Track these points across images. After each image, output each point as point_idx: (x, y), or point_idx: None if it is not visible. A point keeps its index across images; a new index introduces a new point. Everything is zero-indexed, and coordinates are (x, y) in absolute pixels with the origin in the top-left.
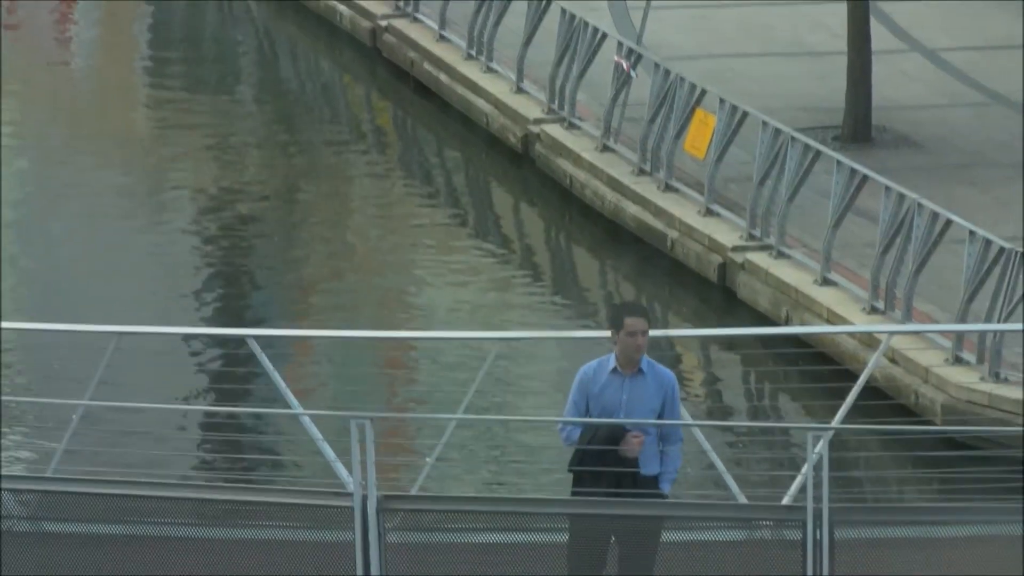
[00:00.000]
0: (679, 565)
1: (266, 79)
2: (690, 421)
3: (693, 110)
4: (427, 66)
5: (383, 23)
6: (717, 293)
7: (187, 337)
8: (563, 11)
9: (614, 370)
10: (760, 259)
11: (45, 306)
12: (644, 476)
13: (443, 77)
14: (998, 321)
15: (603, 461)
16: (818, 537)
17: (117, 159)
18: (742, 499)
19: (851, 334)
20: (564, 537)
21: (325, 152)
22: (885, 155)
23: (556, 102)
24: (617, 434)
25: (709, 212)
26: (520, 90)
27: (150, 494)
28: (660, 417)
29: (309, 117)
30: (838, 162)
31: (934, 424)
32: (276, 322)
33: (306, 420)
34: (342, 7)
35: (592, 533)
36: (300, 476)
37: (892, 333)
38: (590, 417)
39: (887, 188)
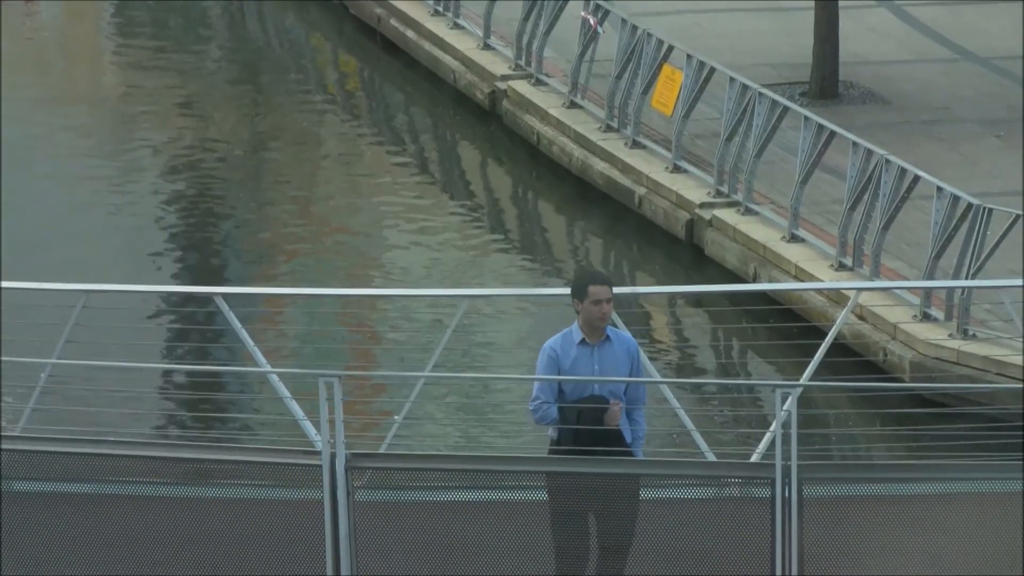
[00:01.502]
0: (647, 523)
1: (233, 37)
2: (658, 379)
3: (660, 66)
4: (394, 22)
5: None
6: (685, 250)
7: (155, 295)
8: None
9: (582, 341)
10: (728, 216)
11: (12, 265)
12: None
13: (410, 33)
14: (966, 277)
15: (595, 434)
16: (787, 494)
17: (84, 119)
18: (711, 457)
19: (819, 291)
20: (534, 495)
21: (292, 110)
22: (852, 111)
23: (523, 59)
24: (597, 403)
25: (677, 169)
26: (487, 47)
27: (118, 452)
28: (627, 383)
29: (276, 75)
30: (805, 118)
31: (902, 381)
32: (244, 280)
33: (274, 378)
34: None
35: (572, 500)
36: (268, 435)
37: (860, 290)
38: (565, 394)
39: (854, 144)
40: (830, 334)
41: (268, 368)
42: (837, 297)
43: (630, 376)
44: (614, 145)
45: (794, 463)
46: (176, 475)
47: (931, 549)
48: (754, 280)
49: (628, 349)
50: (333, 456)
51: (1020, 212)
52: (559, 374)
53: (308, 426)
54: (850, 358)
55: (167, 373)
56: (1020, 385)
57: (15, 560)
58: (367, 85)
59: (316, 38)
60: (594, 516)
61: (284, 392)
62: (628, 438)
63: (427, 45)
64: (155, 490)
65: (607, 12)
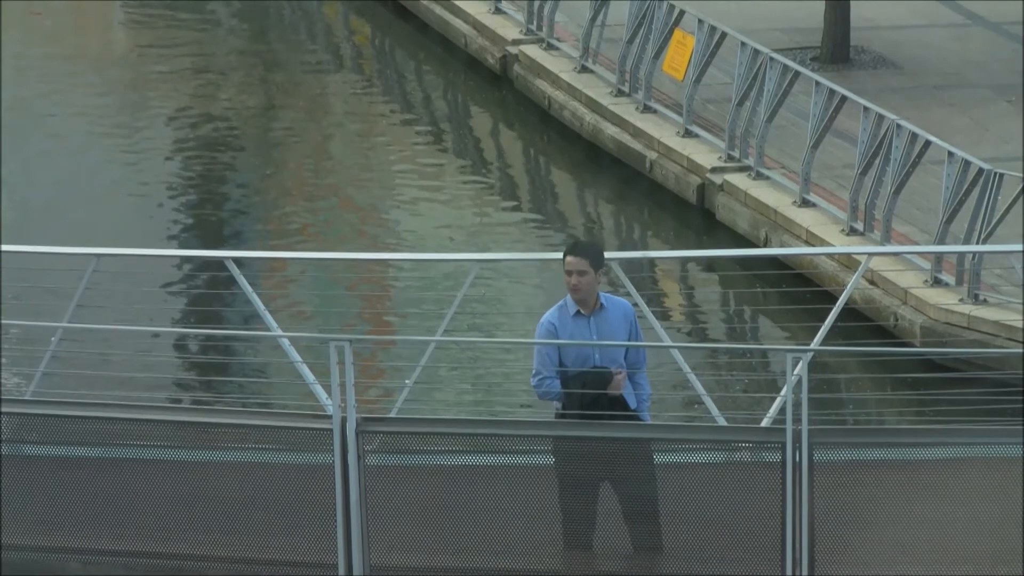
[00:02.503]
0: (660, 486)
1: (244, 2)
2: (669, 343)
3: (671, 31)
4: None
5: None
6: (696, 214)
7: (165, 259)
8: None
9: (577, 313)
10: (739, 180)
11: (23, 228)
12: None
13: None
14: (977, 242)
15: (600, 406)
16: (797, 459)
17: (95, 79)
18: (721, 421)
19: (830, 256)
20: (543, 459)
21: (303, 74)
22: (864, 76)
23: (534, 23)
24: (604, 377)
25: (688, 133)
26: (498, 11)
27: (129, 416)
28: (627, 349)
29: (287, 38)
30: (816, 83)
31: (913, 346)
32: (254, 244)
33: (285, 343)
34: None
35: (580, 465)
36: (279, 399)
37: (871, 255)
38: (564, 365)
39: (865, 109)
40: (841, 299)
41: (279, 332)
42: (848, 262)
43: (629, 340)
44: (625, 110)
45: (805, 428)
46: (186, 439)
47: (941, 514)
48: (765, 245)
49: (624, 314)
50: (344, 420)
51: None
52: (558, 347)
53: (319, 390)
54: (861, 323)
55: (178, 337)
56: None
57: (24, 523)
58: (378, 50)
59: (328, 3)
60: (610, 483)
61: (295, 356)
62: (633, 404)
63: (438, 9)
64: (165, 454)
65: None
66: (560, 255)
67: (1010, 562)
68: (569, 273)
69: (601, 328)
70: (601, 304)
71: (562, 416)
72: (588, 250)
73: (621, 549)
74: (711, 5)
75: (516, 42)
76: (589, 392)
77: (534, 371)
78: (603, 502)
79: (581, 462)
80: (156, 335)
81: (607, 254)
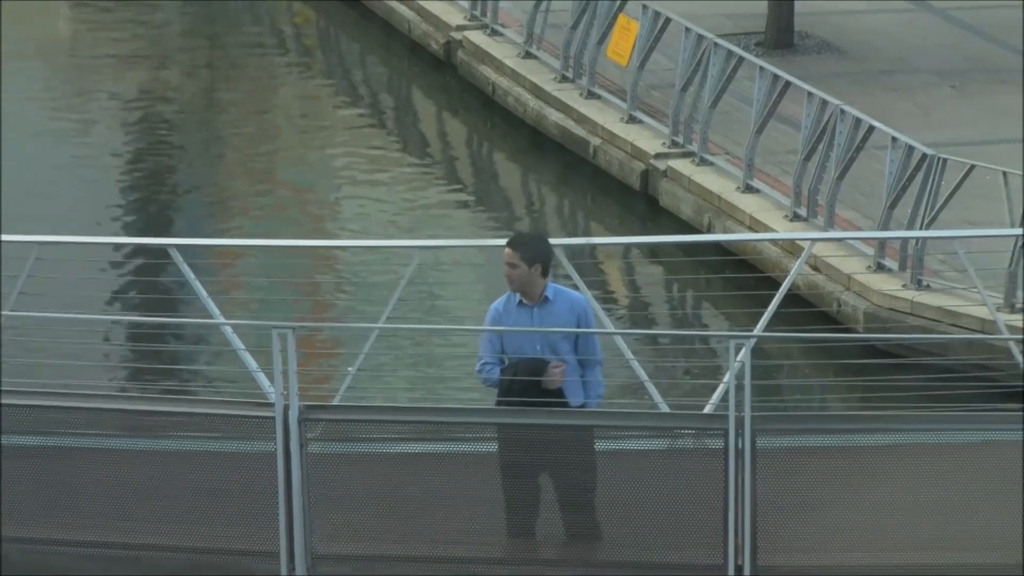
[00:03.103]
0: (601, 474)
1: None
2: (612, 330)
3: (616, 16)
4: None
5: None
6: (639, 200)
7: (109, 247)
8: None
9: (520, 302)
10: (683, 166)
11: None
12: (572, 407)
13: None
14: (920, 228)
15: (530, 396)
16: (740, 445)
17: (37, 70)
18: (664, 408)
19: (773, 241)
20: (486, 447)
21: (247, 60)
22: (808, 61)
23: (479, 9)
24: (540, 367)
25: (632, 119)
26: None
27: (70, 405)
28: (576, 343)
29: (231, 24)
30: (760, 68)
31: (856, 332)
32: (198, 232)
33: (228, 330)
34: None
35: (521, 452)
36: (222, 387)
37: (815, 240)
38: (505, 354)
39: (809, 94)
40: (784, 285)
41: (221, 320)
42: (791, 248)
43: (577, 336)
44: (569, 95)
45: (747, 414)
46: (129, 427)
47: (883, 500)
48: (709, 231)
49: (572, 308)
50: (286, 408)
51: (974, 162)
52: (501, 336)
53: (262, 378)
54: (804, 309)
55: (121, 325)
56: (973, 336)
57: None
58: (322, 36)
59: None
60: (547, 471)
61: (238, 344)
62: (578, 399)
63: None
64: (107, 443)
65: None
66: (503, 242)
67: (953, 547)
68: (505, 264)
69: (544, 320)
70: (546, 296)
71: (499, 404)
72: (523, 244)
73: (562, 536)
74: None
75: (460, 28)
76: (518, 381)
77: (479, 357)
78: (546, 490)
79: (520, 449)
80: (99, 323)
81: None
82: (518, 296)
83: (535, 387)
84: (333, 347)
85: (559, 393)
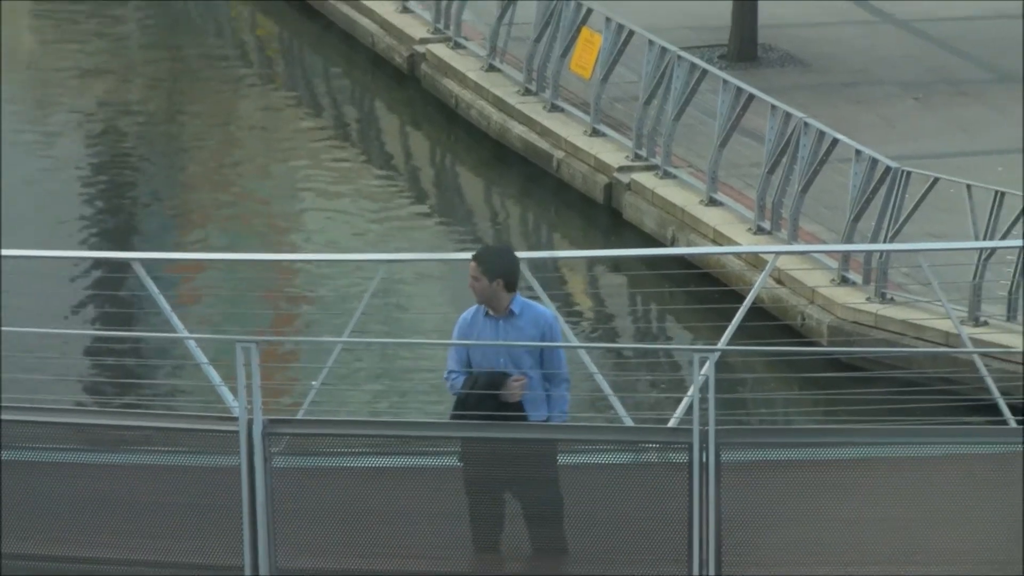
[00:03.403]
0: (564, 488)
1: (150, 1)
2: (576, 344)
3: (579, 29)
4: None
5: None
6: (603, 214)
7: (71, 261)
8: None
9: (487, 314)
10: (646, 179)
11: None
12: (532, 421)
13: None
14: (884, 241)
15: (486, 408)
16: (704, 459)
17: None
18: (628, 422)
19: (737, 255)
20: (449, 461)
21: (209, 73)
22: (771, 74)
23: (442, 22)
24: (498, 380)
25: (595, 132)
26: (406, 10)
27: (34, 419)
28: (542, 358)
29: (193, 38)
30: (724, 81)
31: (820, 345)
32: (161, 246)
33: (191, 344)
34: None
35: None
36: (185, 401)
37: (778, 253)
38: (471, 365)
39: (773, 107)
40: (748, 298)
41: (185, 334)
42: (755, 261)
43: (542, 351)
44: (532, 108)
45: (712, 428)
46: (91, 442)
47: (848, 514)
48: (672, 244)
49: (537, 323)
50: (250, 422)
51: (938, 175)
52: (468, 347)
53: (225, 392)
54: (768, 322)
55: (83, 339)
56: (937, 349)
57: None
58: (284, 49)
59: (234, 5)
60: (512, 485)
61: (201, 358)
62: (540, 414)
63: (345, 8)
64: (69, 457)
65: None
66: (468, 255)
67: (918, 561)
68: (469, 276)
69: (508, 333)
70: (511, 310)
71: (455, 417)
72: (486, 258)
73: (528, 551)
74: (619, 3)
75: (423, 41)
76: (474, 393)
77: (447, 366)
78: (510, 503)
79: (483, 463)
80: (61, 336)
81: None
82: (484, 308)
83: (492, 400)
84: (297, 360)
85: (519, 407)
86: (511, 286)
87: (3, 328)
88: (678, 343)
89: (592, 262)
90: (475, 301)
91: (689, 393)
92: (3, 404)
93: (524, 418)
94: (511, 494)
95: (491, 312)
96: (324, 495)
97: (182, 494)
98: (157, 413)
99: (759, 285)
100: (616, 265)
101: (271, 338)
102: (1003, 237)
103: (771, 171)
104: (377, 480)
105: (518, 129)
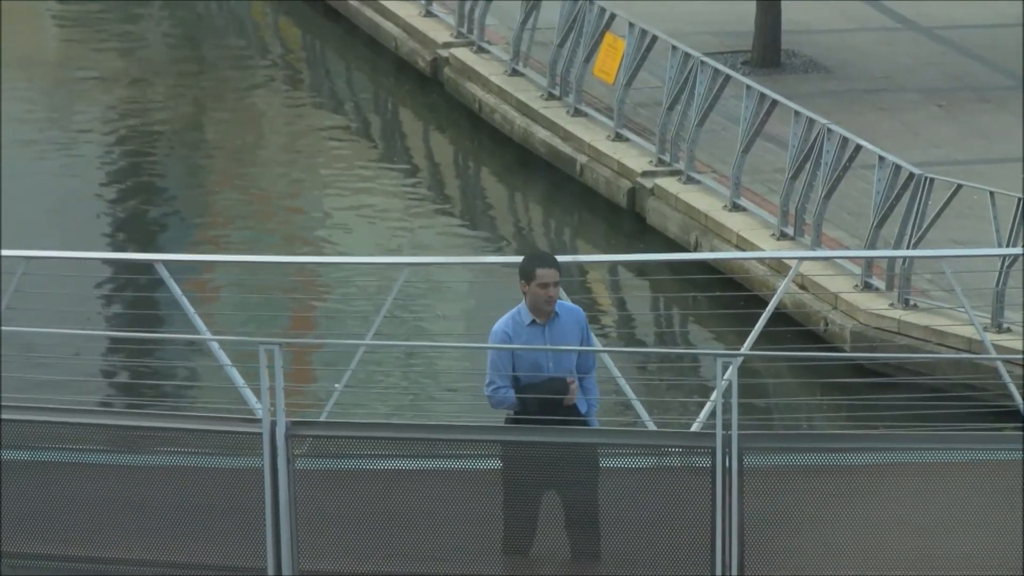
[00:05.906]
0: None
1: (174, 4)
2: (600, 348)
3: (602, 34)
4: None
5: None
6: (626, 218)
7: (96, 262)
8: None
9: (532, 322)
10: (669, 184)
11: None
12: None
13: (351, 0)
14: (907, 247)
15: (550, 414)
16: (727, 464)
17: (23, 85)
18: (651, 426)
19: (760, 260)
20: (473, 464)
21: (233, 77)
22: (794, 80)
23: (465, 26)
24: (560, 386)
25: (619, 137)
26: (429, 14)
27: (59, 420)
28: (578, 353)
29: (217, 41)
30: (747, 87)
31: (843, 351)
32: (185, 247)
33: (214, 346)
34: None
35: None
36: (208, 402)
37: (802, 259)
38: (518, 373)
39: (796, 113)
40: (771, 303)
41: (208, 335)
42: (778, 266)
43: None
44: (556, 113)
45: (735, 432)
46: (115, 442)
47: (870, 519)
48: (695, 249)
49: (577, 320)
50: (273, 424)
51: (961, 182)
52: (512, 356)
53: (248, 394)
54: (791, 327)
55: (107, 340)
56: (960, 355)
57: None
58: (308, 52)
59: (257, 6)
60: (555, 489)
61: (224, 360)
62: (583, 409)
63: (369, 12)
64: (94, 457)
65: None
66: (491, 259)
67: (941, 566)
68: (545, 285)
69: (555, 337)
70: (555, 312)
71: (514, 421)
72: (556, 262)
73: (558, 555)
74: (642, 8)
75: (447, 45)
76: (548, 401)
77: (488, 380)
78: (545, 508)
79: (528, 467)
80: (85, 338)
81: None
82: (528, 317)
83: (555, 405)
84: (322, 363)
85: (575, 409)
86: None
87: (29, 329)
88: (701, 347)
89: (616, 267)
90: (531, 310)
91: (712, 397)
92: (30, 405)
93: (584, 422)
94: (550, 497)
95: (538, 319)
96: (347, 497)
97: (205, 495)
98: (180, 414)
99: (782, 290)
100: (640, 270)
101: (295, 340)
102: None
103: (794, 177)
104: (400, 482)
105: (542, 134)
